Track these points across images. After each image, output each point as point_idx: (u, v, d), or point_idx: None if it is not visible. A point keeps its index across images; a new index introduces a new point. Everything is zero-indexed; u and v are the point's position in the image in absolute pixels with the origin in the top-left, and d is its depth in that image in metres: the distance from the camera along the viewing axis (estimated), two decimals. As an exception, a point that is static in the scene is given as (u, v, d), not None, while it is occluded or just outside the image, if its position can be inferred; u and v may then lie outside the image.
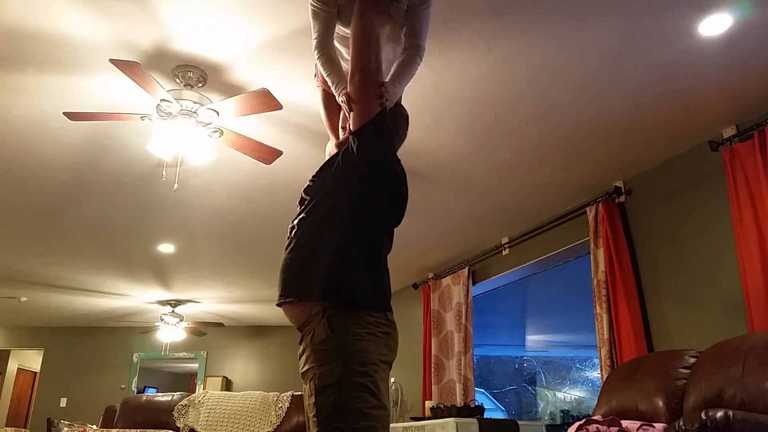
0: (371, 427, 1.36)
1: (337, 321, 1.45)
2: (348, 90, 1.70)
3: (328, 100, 2.03)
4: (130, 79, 2.76)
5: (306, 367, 1.45)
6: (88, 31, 2.67)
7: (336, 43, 1.99)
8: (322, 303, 1.48)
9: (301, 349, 1.50)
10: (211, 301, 7.64)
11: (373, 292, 1.53)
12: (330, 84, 1.85)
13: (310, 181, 1.72)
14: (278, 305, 1.58)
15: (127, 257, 5.91)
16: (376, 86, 1.67)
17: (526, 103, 3.27)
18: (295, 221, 1.64)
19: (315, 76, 2.12)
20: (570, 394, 10.81)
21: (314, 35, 1.92)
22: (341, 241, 1.55)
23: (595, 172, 4.09)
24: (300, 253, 1.58)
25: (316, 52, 1.90)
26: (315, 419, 1.38)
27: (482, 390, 10.55)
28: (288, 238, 1.64)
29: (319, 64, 1.90)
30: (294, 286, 1.55)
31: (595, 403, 3.30)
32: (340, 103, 1.77)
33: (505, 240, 5.32)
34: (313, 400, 1.39)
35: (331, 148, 2.00)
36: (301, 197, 1.70)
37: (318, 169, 1.74)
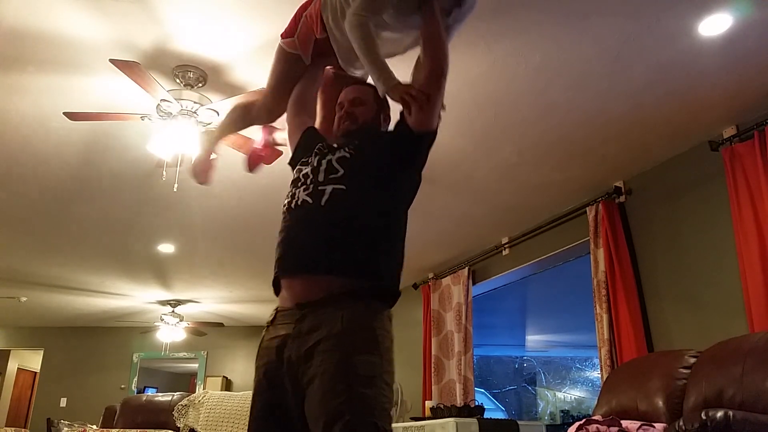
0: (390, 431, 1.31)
1: (380, 313, 1.43)
2: (427, 89, 1.57)
3: (332, 83, 1.97)
4: (130, 79, 2.76)
5: (329, 344, 1.34)
6: (88, 31, 2.67)
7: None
8: (369, 290, 1.44)
9: (314, 323, 1.39)
10: (211, 301, 7.64)
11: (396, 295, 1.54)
12: (374, 72, 1.63)
13: (346, 151, 1.60)
14: (296, 274, 1.48)
15: (127, 257, 5.91)
16: (443, 98, 1.67)
17: (526, 103, 3.27)
18: (330, 188, 1.51)
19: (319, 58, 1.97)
20: (570, 394, 10.81)
21: (357, 10, 1.67)
22: (395, 238, 1.55)
23: (595, 172, 4.09)
24: (348, 228, 1.49)
25: (358, 30, 1.65)
26: (345, 407, 1.27)
27: (482, 390, 10.55)
28: (304, 200, 1.53)
29: (361, 46, 1.66)
30: (340, 262, 1.45)
31: (595, 403, 3.30)
32: (392, 96, 1.57)
33: (505, 240, 5.32)
34: (345, 386, 1.29)
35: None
36: (330, 167, 1.57)
37: (365, 135, 1.67)
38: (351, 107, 1.74)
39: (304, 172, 1.63)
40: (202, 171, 2.17)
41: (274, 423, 1.47)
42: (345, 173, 1.55)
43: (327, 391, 1.30)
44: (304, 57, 1.95)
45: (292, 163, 1.79)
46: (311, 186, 1.55)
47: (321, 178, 1.56)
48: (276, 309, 1.54)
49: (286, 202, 1.61)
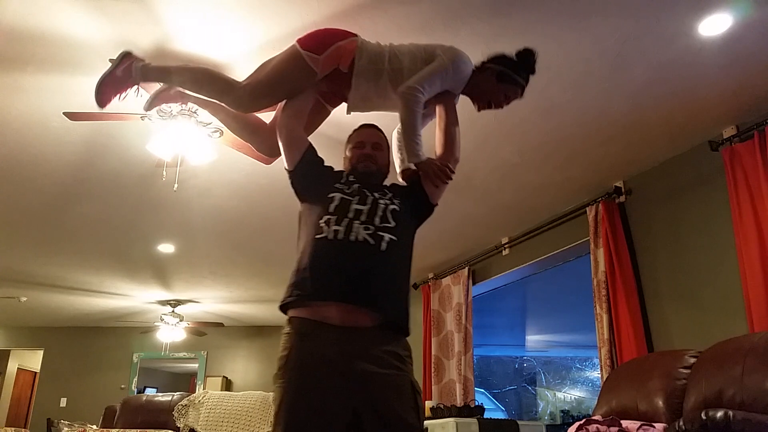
0: None
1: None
2: (452, 167, 1.92)
3: (320, 112, 2.12)
4: (130, 79, 2.76)
5: (397, 371, 1.64)
6: (88, 31, 2.67)
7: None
8: (404, 328, 1.74)
9: (379, 349, 1.64)
10: (211, 301, 7.64)
11: None
12: (413, 143, 1.87)
13: (395, 204, 1.83)
14: (361, 306, 1.66)
15: (127, 257, 5.91)
16: None
17: (526, 103, 3.25)
18: (387, 237, 1.73)
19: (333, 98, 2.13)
20: (570, 394, 10.82)
21: (418, 88, 1.90)
22: (408, 282, 1.82)
23: (595, 172, 4.09)
24: (397, 277, 1.77)
25: (413, 105, 1.89)
26: (417, 416, 1.62)
27: (482, 390, 10.55)
28: (364, 238, 1.71)
29: (409, 118, 1.89)
30: (396, 308, 1.73)
31: (595, 403, 3.31)
32: (422, 167, 1.88)
33: (505, 240, 5.32)
34: (415, 401, 1.64)
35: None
36: (385, 215, 1.78)
37: (392, 189, 1.91)
38: (373, 150, 1.95)
39: (355, 207, 1.78)
40: (157, 99, 2.24)
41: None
42: (396, 226, 1.78)
43: (406, 408, 1.62)
44: (318, 76, 1.99)
45: (309, 180, 1.93)
46: (371, 228, 1.73)
47: (377, 222, 1.76)
48: (311, 320, 1.67)
49: (334, 228, 1.72)
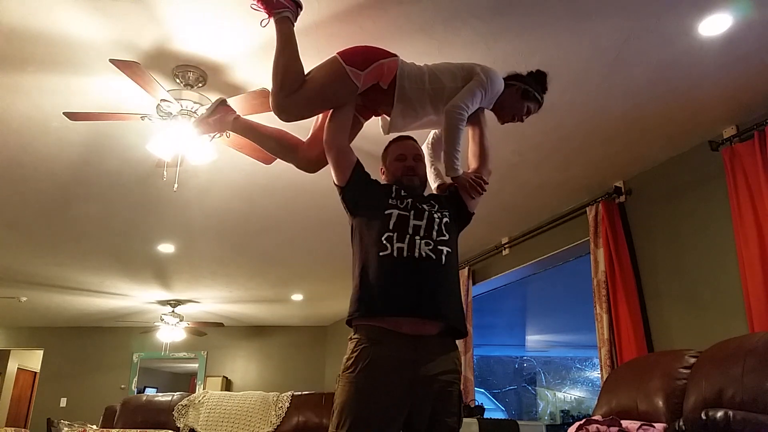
0: None
1: None
2: (486, 179, 2.08)
3: (353, 124, 2.16)
4: (130, 79, 2.76)
5: (452, 377, 1.81)
6: (88, 31, 2.67)
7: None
8: (461, 333, 1.91)
9: (439, 355, 1.79)
10: (211, 301, 7.64)
11: None
12: (453, 157, 2.00)
13: (445, 216, 1.96)
14: (429, 318, 1.80)
15: (127, 257, 5.91)
16: None
17: (526, 103, 3.27)
18: (445, 250, 1.87)
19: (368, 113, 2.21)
20: (570, 394, 10.82)
21: (463, 107, 2.02)
22: (460, 286, 2.02)
23: (595, 172, 4.09)
24: (455, 286, 1.93)
25: (457, 122, 2.01)
26: (459, 420, 1.80)
27: (482, 390, 10.56)
28: (426, 254, 1.83)
29: (453, 134, 2.01)
30: (457, 314, 1.88)
31: (595, 403, 3.30)
32: (460, 180, 2.02)
33: (505, 240, 5.32)
34: (459, 407, 1.83)
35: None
36: (441, 228, 1.90)
37: (437, 200, 2.02)
38: (414, 162, 2.06)
39: (414, 223, 1.88)
40: (207, 127, 2.36)
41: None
42: (449, 238, 1.91)
43: (451, 413, 1.78)
44: (358, 91, 2.04)
45: (361, 195, 1.99)
46: (431, 243, 1.86)
47: (435, 236, 1.88)
48: (381, 328, 1.79)
49: (398, 245, 1.83)
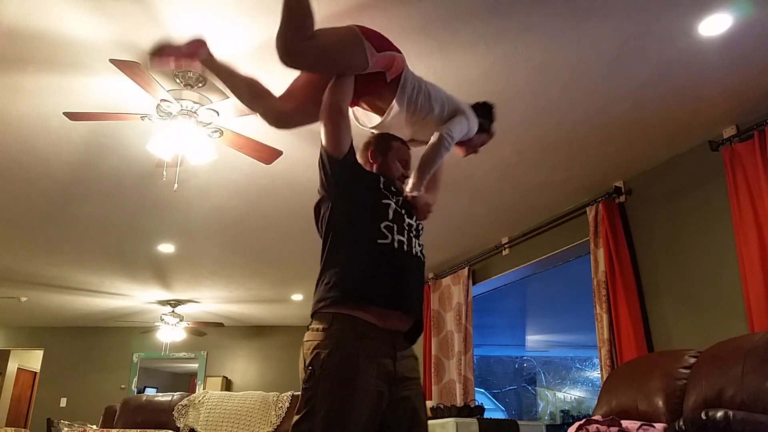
0: None
1: None
2: (432, 207, 2.00)
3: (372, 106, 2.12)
4: (130, 79, 2.76)
5: (417, 369, 1.80)
6: (88, 31, 2.67)
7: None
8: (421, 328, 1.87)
9: (408, 353, 1.77)
10: (211, 301, 7.64)
11: None
12: (423, 179, 2.04)
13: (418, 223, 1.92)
14: (412, 315, 1.78)
15: (127, 257, 5.91)
16: None
17: (526, 103, 3.27)
18: (420, 249, 1.86)
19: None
20: (570, 394, 10.82)
21: (451, 136, 2.07)
22: None
23: (595, 172, 4.09)
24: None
25: (443, 150, 2.06)
26: (425, 411, 1.80)
27: (482, 390, 10.56)
28: (418, 254, 1.84)
29: (433, 157, 2.05)
30: (421, 308, 1.86)
31: (595, 403, 3.31)
32: (417, 202, 1.94)
33: (505, 240, 5.32)
34: (424, 399, 1.83)
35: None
36: (419, 232, 1.89)
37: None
38: (406, 169, 2.02)
39: (408, 221, 1.85)
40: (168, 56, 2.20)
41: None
42: (422, 244, 1.91)
43: (420, 411, 1.75)
44: (366, 70, 1.95)
45: (353, 174, 1.87)
46: (421, 245, 1.88)
47: (420, 239, 1.90)
48: (369, 323, 1.68)
49: (398, 238, 1.78)
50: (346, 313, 1.65)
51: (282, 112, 2.07)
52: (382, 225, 1.76)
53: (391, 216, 1.79)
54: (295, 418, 1.59)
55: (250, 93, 2.11)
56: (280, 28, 1.81)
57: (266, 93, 2.10)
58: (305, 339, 1.68)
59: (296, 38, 1.82)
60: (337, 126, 1.84)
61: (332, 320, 1.65)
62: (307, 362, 1.61)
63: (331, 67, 1.94)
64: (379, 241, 1.74)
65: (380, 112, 2.08)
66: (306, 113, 2.04)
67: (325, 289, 1.70)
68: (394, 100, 2.01)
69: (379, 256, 1.73)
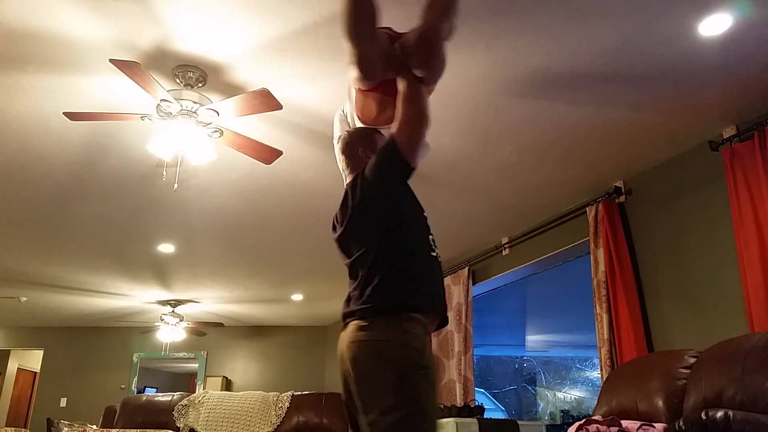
0: None
1: None
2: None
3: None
4: (130, 79, 2.76)
5: None
6: (88, 31, 2.67)
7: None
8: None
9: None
10: (211, 301, 7.64)
11: None
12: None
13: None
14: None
15: (127, 257, 5.91)
16: None
17: (526, 103, 3.27)
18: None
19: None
20: (570, 394, 10.82)
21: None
22: None
23: (595, 172, 4.09)
24: None
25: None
26: None
27: (482, 390, 10.56)
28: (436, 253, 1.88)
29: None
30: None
31: (595, 403, 3.31)
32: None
33: (505, 240, 5.32)
34: None
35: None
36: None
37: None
38: None
39: (432, 238, 1.92)
40: None
41: None
42: None
43: None
44: (383, 45, 1.95)
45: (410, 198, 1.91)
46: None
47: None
48: (425, 328, 1.75)
49: (437, 249, 1.89)
50: (420, 319, 1.72)
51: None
52: (430, 238, 1.89)
53: (428, 227, 1.92)
54: (397, 415, 1.55)
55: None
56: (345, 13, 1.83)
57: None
58: (379, 337, 1.66)
59: (352, 37, 1.83)
60: (424, 138, 1.83)
61: (416, 323, 1.69)
62: (415, 359, 1.63)
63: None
64: (431, 254, 1.86)
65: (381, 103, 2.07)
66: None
67: (397, 290, 1.72)
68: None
69: (432, 270, 1.84)
